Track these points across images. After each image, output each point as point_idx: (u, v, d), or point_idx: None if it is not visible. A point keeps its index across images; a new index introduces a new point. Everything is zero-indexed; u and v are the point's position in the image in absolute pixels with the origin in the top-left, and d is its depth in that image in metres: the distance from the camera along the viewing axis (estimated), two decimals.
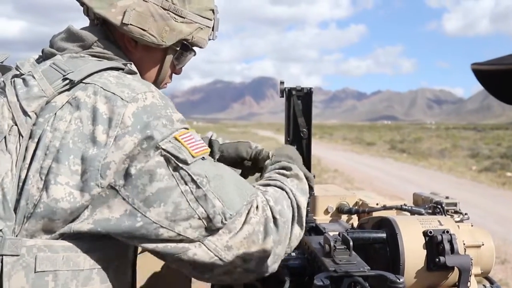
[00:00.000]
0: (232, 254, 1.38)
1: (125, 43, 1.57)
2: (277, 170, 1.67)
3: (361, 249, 1.60)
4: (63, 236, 1.30)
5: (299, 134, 2.01)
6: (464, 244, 1.65)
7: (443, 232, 1.60)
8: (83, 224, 1.29)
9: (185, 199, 1.32)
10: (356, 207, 2.21)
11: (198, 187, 1.34)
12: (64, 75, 1.36)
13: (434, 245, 1.59)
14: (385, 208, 2.07)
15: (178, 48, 1.64)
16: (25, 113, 1.31)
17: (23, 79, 1.38)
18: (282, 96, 2.01)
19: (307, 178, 1.68)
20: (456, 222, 1.79)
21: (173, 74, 1.76)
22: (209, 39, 1.71)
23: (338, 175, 17.41)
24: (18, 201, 1.26)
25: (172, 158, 1.32)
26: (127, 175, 1.30)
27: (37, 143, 1.28)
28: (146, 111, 1.34)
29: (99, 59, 1.49)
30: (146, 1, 1.52)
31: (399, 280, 1.28)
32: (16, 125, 1.31)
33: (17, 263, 1.24)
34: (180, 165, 1.32)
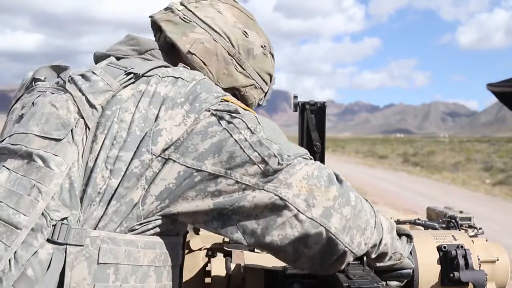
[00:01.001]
0: (293, 193, 1.36)
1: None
2: None
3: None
4: (128, 229, 1.31)
5: (312, 148, 2.02)
6: (478, 259, 1.64)
7: (458, 247, 1.60)
8: (148, 206, 1.32)
9: (239, 147, 1.34)
10: None
11: (252, 133, 1.36)
12: (126, 70, 1.42)
13: (449, 260, 1.59)
14: (398, 222, 2.06)
15: None
16: (92, 106, 1.36)
17: (82, 75, 1.43)
18: (296, 110, 2.02)
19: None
20: (471, 236, 1.78)
21: None
22: (258, 103, 1.78)
23: None
24: (84, 190, 1.29)
25: (224, 112, 1.37)
26: (177, 141, 1.33)
27: (106, 134, 1.32)
28: (199, 83, 1.41)
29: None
30: (216, 41, 1.63)
31: None
32: (83, 118, 1.35)
33: (80, 254, 1.24)
34: (234, 115, 1.37)
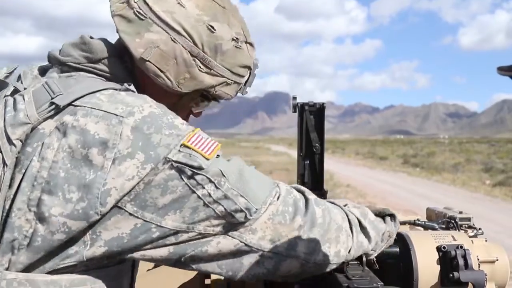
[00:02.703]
0: (258, 237, 1.33)
1: (140, 73, 1.46)
2: None
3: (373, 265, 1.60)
4: (53, 268, 1.23)
5: (311, 149, 2.02)
6: (478, 259, 1.64)
7: (457, 247, 1.59)
8: (95, 249, 1.24)
9: (202, 202, 1.26)
10: None
11: (216, 188, 1.27)
12: (52, 98, 1.28)
13: (448, 260, 1.58)
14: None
15: (196, 96, 1.54)
16: (9, 140, 1.24)
17: (14, 99, 1.31)
18: (295, 111, 2.02)
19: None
20: (470, 237, 1.78)
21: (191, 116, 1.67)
22: (239, 93, 1.62)
23: (350, 190, 17.36)
24: (1, 232, 1.21)
25: (186, 167, 1.24)
26: (131, 191, 1.22)
27: (24, 173, 1.21)
28: (145, 122, 1.25)
29: (98, 77, 1.41)
30: (175, 42, 1.41)
31: None
32: (1, 152, 1.23)
33: None
34: (196, 171, 1.25)
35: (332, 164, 27.57)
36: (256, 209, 1.31)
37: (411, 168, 28.40)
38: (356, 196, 15.41)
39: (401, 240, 1.65)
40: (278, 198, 1.37)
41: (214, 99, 1.58)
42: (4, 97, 1.33)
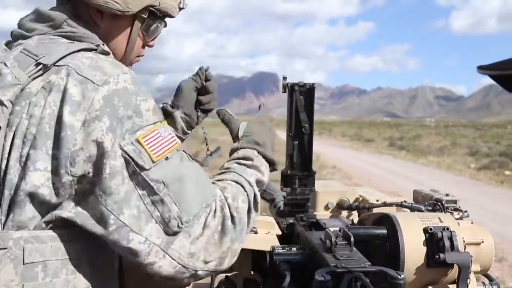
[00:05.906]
0: (195, 259, 1.36)
1: (91, 16, 1.50)
2: (237, 161, 1.61)
3: (361, 245, 1.61)
4: (47, 225, 1.28)
5: (300, 129, 2.02)
6: (464, 241, 1.66)
7: (444, 229, 1.61)
8: (63, 211, 1.28)
9: (142, 202, 1.29)
10: (357, 203, 2.21)
11: (155, 193, 1.30)
12: (36, 60, 1.32)
13: (434, 242, 1.60)
14: (385, 204, 2.07)
15: (145, 16, 1.56)
16: (1, 103, 1.26)
17: None
18: (285, 91, 2.01)
19: (271, 162, 1.65)
20: (456, 219, 1.79)
21: (147, 48, 1.70)
22: (180, 8, 1.66)
23: (336, 171, 17.43)
24: (1, 191, 1.25)
25: (131, 162, 1.28)
26: (99, 171, 1.27)
27: (15, 132, 1.25)
28: (117, 94, 1.30)
29: (70, 40, 1.44)
30: None
31: (400, 276, 1.28)
32: None
33: (5, 256, 1.22)
34: (138, 170, 1.28)
35: (318, 146, 27.63)
36: (187, 219, 1.34)
37: (397, 151, 28.56)
38: (341, 178, 15.48)
39: (389, 222, 1.67)
40: (214, 216, 1.40)
41: (161, 18, 1.61)
42: None
